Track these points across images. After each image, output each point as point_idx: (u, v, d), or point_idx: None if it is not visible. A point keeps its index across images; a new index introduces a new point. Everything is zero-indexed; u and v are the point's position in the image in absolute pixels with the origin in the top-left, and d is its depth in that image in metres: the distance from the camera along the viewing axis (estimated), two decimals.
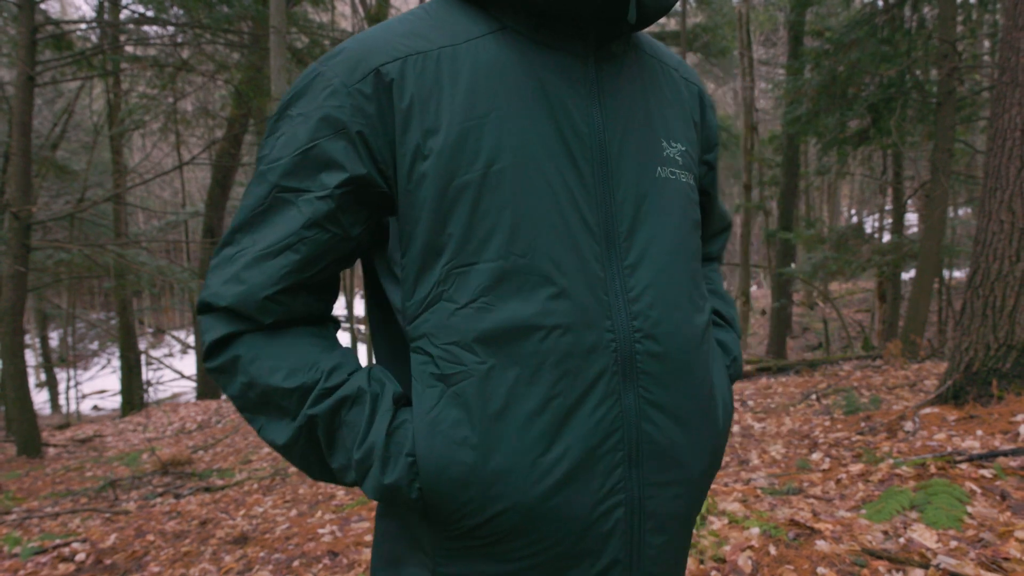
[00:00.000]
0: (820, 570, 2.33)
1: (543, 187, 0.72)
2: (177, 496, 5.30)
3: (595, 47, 0.78)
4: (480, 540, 0.73)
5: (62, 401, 16.73)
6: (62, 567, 3.59)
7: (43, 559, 3.71)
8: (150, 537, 4.04)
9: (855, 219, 25.36)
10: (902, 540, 2.49)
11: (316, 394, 0.73)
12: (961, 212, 17.24)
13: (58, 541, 3.98)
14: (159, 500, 5.22)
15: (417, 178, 0.72)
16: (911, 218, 16.19)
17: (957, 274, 15.63)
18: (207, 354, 0.77)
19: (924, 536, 2.48)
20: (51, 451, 8.34)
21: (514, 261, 0.71)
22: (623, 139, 0.77)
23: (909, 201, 12.83)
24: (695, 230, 0.85)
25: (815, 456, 3.95)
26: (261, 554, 3.43)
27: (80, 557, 3.71)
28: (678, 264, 0.80)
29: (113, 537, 4.05)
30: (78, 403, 16.53)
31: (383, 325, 0.85)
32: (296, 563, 3.19)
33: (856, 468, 3.40)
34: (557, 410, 0.71)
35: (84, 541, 3.97)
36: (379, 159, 0.74)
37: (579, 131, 0.75)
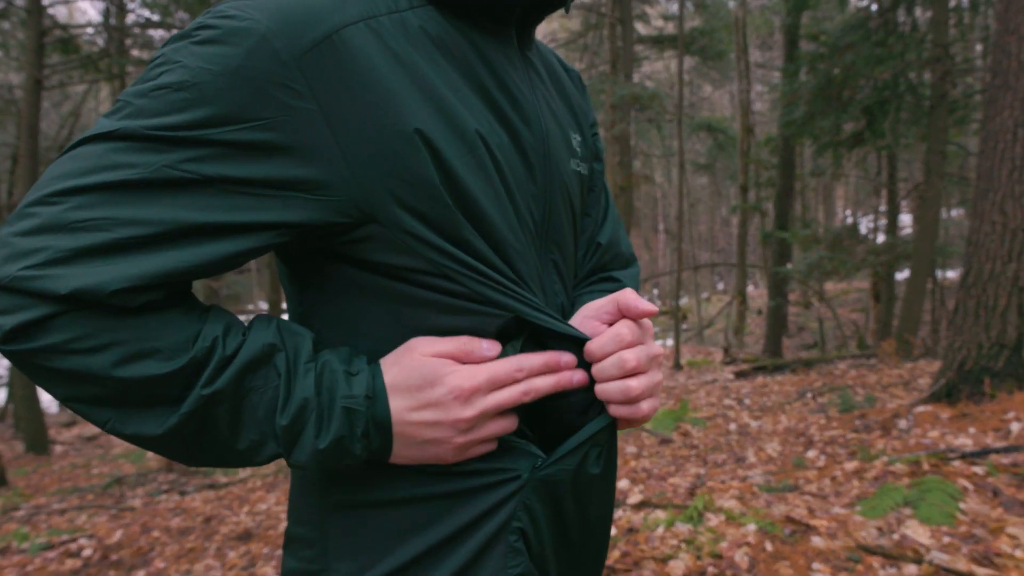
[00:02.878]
0: (815, 566, 2.36)
1: (499, 180, 0.65)
2: (182, 493, 5.33)
3: (518, 34, 0.71)
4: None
5: None
6: (69, 562, 3.62)
7: (51, 554, 3.74)
8: (155, 533, 4.06)
9: (850, 220, 25.44)
10: (896, 536, 2.52)
11: (214, 367, 0.57)
12: (954, 213, 17.34)
13: (65, 537, 4.01)
14: (164, 497, 5.24)
15: (365, 169, 0.59)
16: (905, 219, 16.27)
17: (950, 274, 15.71)
18: (7, 339, 0.53)
19: (918, 532, 2.52)
20: (58, 448, 8.35)
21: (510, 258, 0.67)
22: (551, 129, 0.73)
23: (903, 202, 12.90)
24: (579, 222, 0.82)
25: (811, 454, 3.99)
26: (264, 550, 3.46)
27: (87, 553, 3.73)
28: (576, 256, 0.80)
29: (119, 533, 4.08)
30: None
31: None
32: None
33: (851, 465, 3.44)
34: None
35: (91, 537, 4.00)
36: (331, 149, 0.58)
37: (529, 121, 0.69)
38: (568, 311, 0.76)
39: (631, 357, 0.67)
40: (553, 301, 0.73)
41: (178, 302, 0.59)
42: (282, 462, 6.05)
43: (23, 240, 0.53)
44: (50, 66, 8.32)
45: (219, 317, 0.60)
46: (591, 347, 0.68)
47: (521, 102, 0.68)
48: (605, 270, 0.86)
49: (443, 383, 0.61)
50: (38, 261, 0.52)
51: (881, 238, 14.10)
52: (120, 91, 11.40)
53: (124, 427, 0.58)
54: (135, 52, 10.08)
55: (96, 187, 0.54)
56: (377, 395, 0.61)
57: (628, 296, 0.69)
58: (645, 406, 0.69)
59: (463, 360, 0.63)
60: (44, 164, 9.57)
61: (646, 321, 0.72)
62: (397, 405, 0.61)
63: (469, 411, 0.62)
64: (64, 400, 0.57)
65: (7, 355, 0.54)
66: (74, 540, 3.93)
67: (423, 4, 0.64)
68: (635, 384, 0.67)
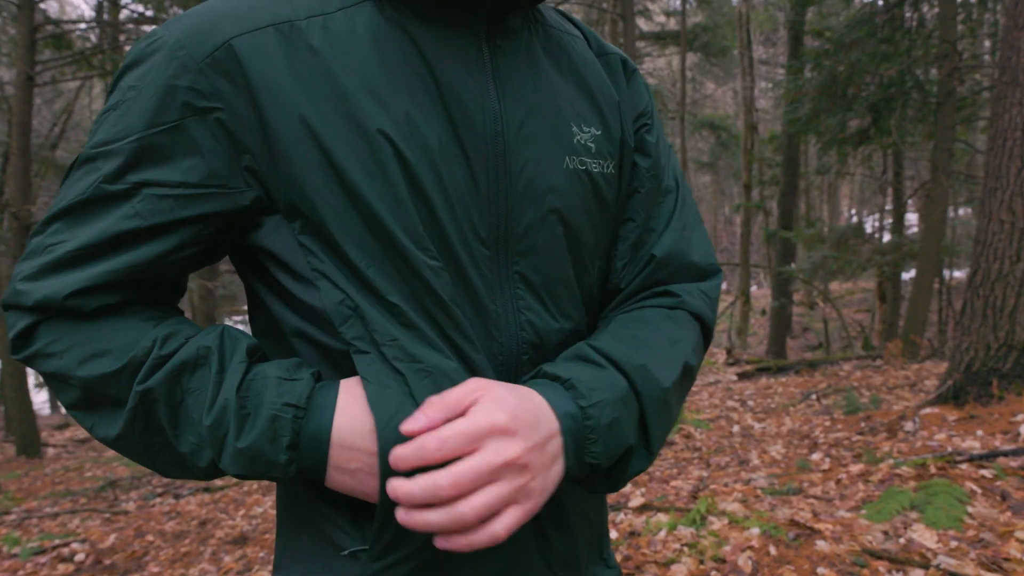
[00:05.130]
0: (820, 570, 2.33)
1: (433, 183, 0.62)
2: (176, 496, 5.29)
3: (489, 22, 0.67)
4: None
5: None
6: (61, 567, 3.59)
7: (42, 559, 3.71)
8: (149, 537, 4.03)
9: (855, 219, 25.38)
10: (902, 540, 2.49)
11: (149, 365, 0.60)
12: (961, 212, 17.25)
13: (57, 541, 3.98)
14: (158, 500, 5.21)
15: (300, 172, 0.60)
16: (911, 218, 16.21)
17: (957, 274, 15.64)
18: (13, 349, 0.65)
19: (924, 536, 2.48)
20: (50, 451, 8.34)
21: (385, 269, 0.61)
22: (524, 128, 0.67)
23: (909, 201, 12.84)
24: (598, 226, 0.73)
25: (815, 456, 3.95)
26: (260, 554, 3.43)
27: (79, 557, 3.71)
28: (570, 263, 0.70)
29: (112, 537, 4.05)
30: None
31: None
32: None
33: (856, 468, 3.40)
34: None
35: (83, 541, 3.97)
36: (242, 153, 0.61)
37: (472, 119, 0.64)
38: (563, 334, 0.70)
39: (434, 446, 0.55)
40: (516, 318, 0.67)
41: (137, 311, 0.64)
42: None
43: (19, 265, 0.65)
44: (42, 62, 8.31)
45: (171, 324, 0.64)
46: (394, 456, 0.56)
47: (464, 99, 0.64)
48: (664, 284, 0.77)
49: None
50: (19, 279, 0.64)
51: (887, 237, 14.04)
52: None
53: (98, 430, 0.64)
54: (128, 48, 10.08)
55: (59, 213, 0.63)
56: (316, 407, 0.59)
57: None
58: (467, 507, 0.55)
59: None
60: (36, 162, 9.59)
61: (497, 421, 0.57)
62: (343, 424, 0.59)
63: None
64: (66, 407, 0.66)
65: (22, 363, 0.67)
66: (66, 544, 3.90)
67: (358, 3, 0.64)
68: (444, 478, 0.54)
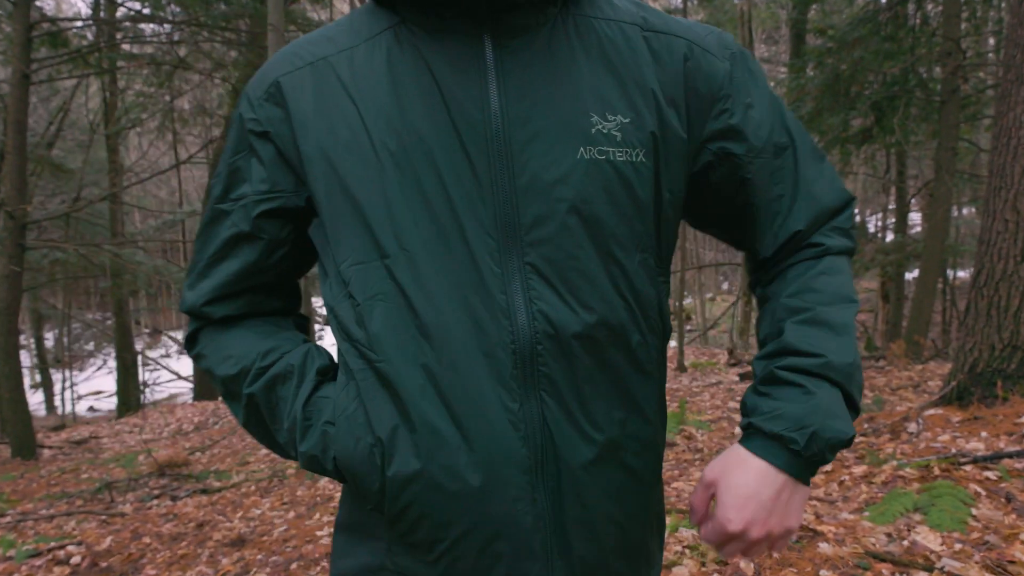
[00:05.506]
0: (823, 572, 2.30)
1: (432, 184, 0.70)
2: (174, 498, 5.26)
3: (491, 25, 0.71)
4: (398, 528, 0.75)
5: (57, 402, 16.69)
6: (57, 570, 3.56)
7: (38, 562, 3.68)
8: (146, 540, 4.00)
9: (858, 218, 25.34)
10: (906, 543, 2.46)
11: (252, 374, 0.79)
12: (965, 211, 17.22)
13: (53, 544, 3.95)
14: (155, 502, 5.18)
15: (315, 180, 0.75)
16: (915, 217, 16.16)
17: (961, 274, 15.61)
18: (185, 348, 0.88)
19: (928, 538, 2.46)
20: (46, 453, 8.31)
21: (404, 258, 0.70)
22: (530, 122, 0.70)
23: (913, 200, 12.79)
24: (630, 216, 0.73)
25: None
26: (259, 556, 3.40)
27: (75, 560, 3.68)
28: (592, 256, 0.71)
29: (109, 540, 4.02)
30: (74, 404, 16.50)
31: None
32: (294, 566, 3.15)
33: (859, 470, 3.37)
34: (452, 409, 0.70)
35: (79, 544, 3.94)
36: (291, 164, 0.77)
37: (472, 119, 0.70)
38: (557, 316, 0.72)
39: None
40: (527, 308, 0.70)
41: (253, 323, 0.85)
42: (276, 466, 6.00)
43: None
44: (38, 60, 8.25)
45: (276, 338, 0.83)
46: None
47: (463, 102, 0.71)
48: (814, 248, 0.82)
49: None
50: (184, 291, 0.86)
51: (890, 237, 14.00)
52: (110, 86, 11.38)
53: (234, 416, 0.84)
54: (125, 46, 10.07)
55: (199, 234, 0.85)
56: None
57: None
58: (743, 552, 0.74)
59: None
60: (32, 160, 9.56)
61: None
62: None
63: None
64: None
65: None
66: (62, 547, 3.87)
67: (381, 31, 0.75)
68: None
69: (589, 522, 0.73)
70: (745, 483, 0.71)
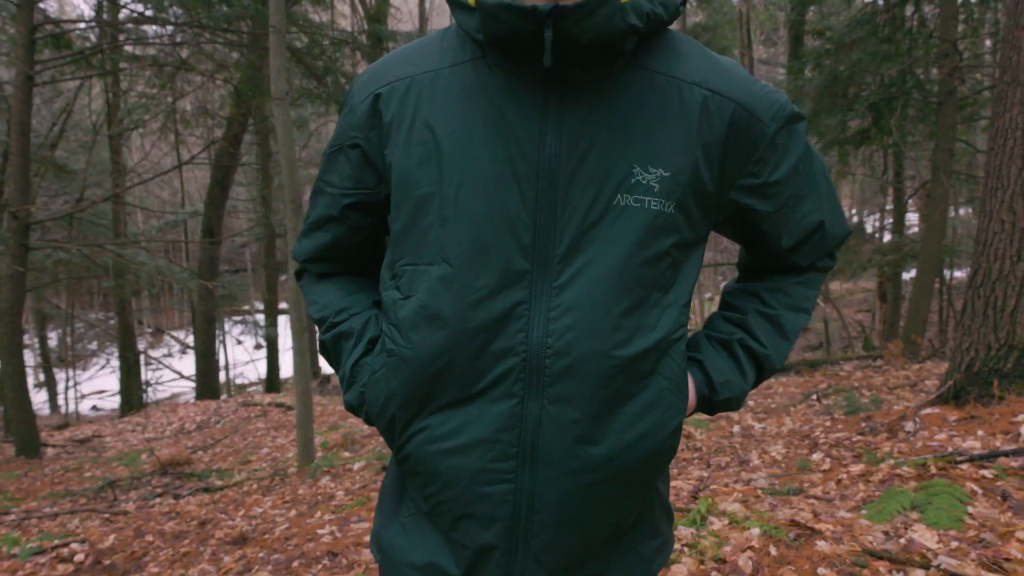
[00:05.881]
0: (821, 570, 2.32)
1: (484, 208, 0.79)
2: (176, 496, 5.29)
3: (554, 76, 0.79)
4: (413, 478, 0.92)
5: (61, 401, 16.71)
6: (61, 568, 3.58)
7: (42, 560, 3.70)
8: (149, 538, 4.02)
9: (856, 219, 25.36)
10: (903, 541, 2.48)
11: (327, 326, 0.99)
12: (962, 212, 17.22)
13: (57, 542, 3.96)
14: (158, 500, 5.20)
15: (392, 186, 0.87)
16: (912, 218, 16.17)
17: (958, 274, 15.60)
18: (296, 279, 1.10)
19: (925, 537, 2.47)
20: (50, 451, 8.33)
21: (445, 269, 0.81)
22: (579, 166, 0.79)
23: (910, 201, 12.80)
24: (655, 260, 0.82)
25: (816, 456, 3.94)
26: (260, 555, 3.42)
27: (79, 558, 3.70)
28: (612, 292, 0.80)
29: (112, 538, 4.04)
30: (77, 403, 16.51)
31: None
32: (295, 563, 3.18)
33: (857, 468, 3.38)
34: (461, 394, 0.83)
35: (83, 542, 3.96)
36: (376, 167, 0.91)
37: (528, 157, 0.79)
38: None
39: None
40: (546, 327, 0.81)
41: (340, 281, 1.04)
42: (277, 465, 6.02)
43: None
44: (41, 62, 8.26)
45: (353, 298, 1.01)
46: None
47: (524, 142, 0.80)
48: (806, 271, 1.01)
49: None
50: (296, 240, 1.06)
51: (887, 237, 14.00)
52: (113, 87, 11.36)
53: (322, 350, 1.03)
54: (128, 48, 10.07)
55: (311, 195, 1.02)
56: None
57: None
58: None
59: None
60: (35, 161, 9.57)
61: None
62: None
63: None
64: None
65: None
66: (66, 545, 3.89)
67: (466, 61, 0.84)
68: None
69: (579, 521, 0.84)
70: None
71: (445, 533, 0.89)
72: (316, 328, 1.13)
